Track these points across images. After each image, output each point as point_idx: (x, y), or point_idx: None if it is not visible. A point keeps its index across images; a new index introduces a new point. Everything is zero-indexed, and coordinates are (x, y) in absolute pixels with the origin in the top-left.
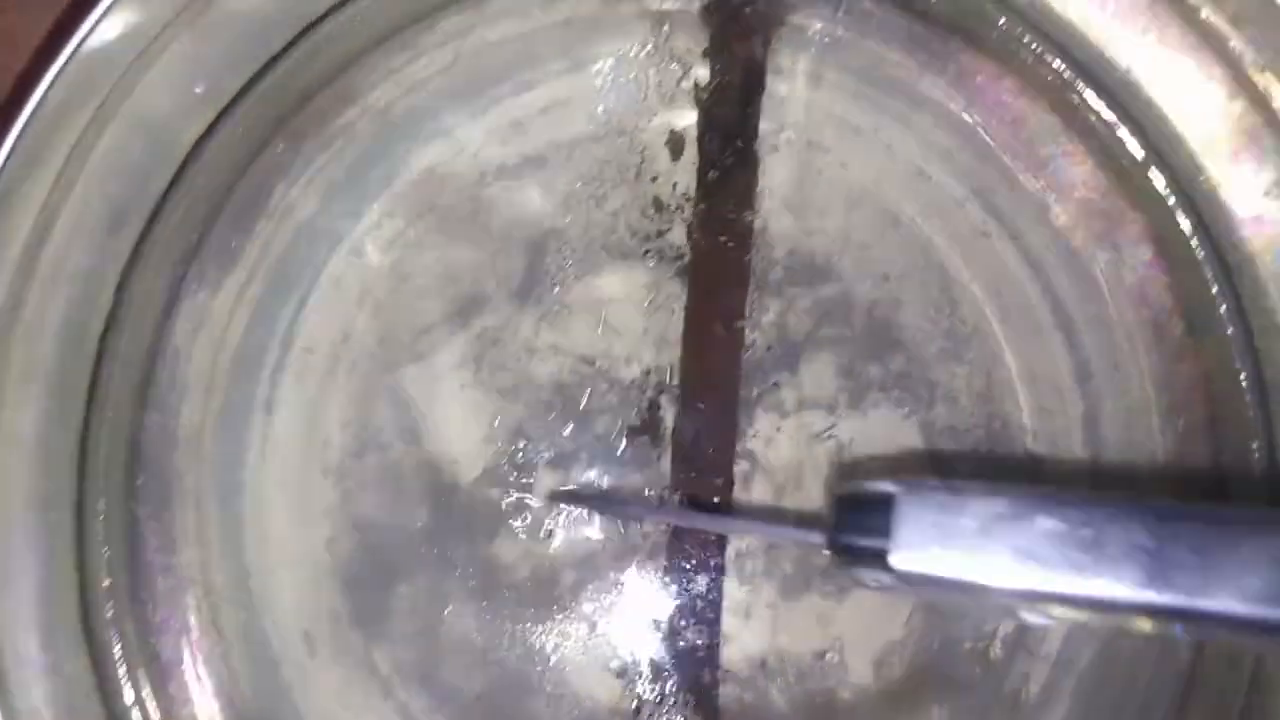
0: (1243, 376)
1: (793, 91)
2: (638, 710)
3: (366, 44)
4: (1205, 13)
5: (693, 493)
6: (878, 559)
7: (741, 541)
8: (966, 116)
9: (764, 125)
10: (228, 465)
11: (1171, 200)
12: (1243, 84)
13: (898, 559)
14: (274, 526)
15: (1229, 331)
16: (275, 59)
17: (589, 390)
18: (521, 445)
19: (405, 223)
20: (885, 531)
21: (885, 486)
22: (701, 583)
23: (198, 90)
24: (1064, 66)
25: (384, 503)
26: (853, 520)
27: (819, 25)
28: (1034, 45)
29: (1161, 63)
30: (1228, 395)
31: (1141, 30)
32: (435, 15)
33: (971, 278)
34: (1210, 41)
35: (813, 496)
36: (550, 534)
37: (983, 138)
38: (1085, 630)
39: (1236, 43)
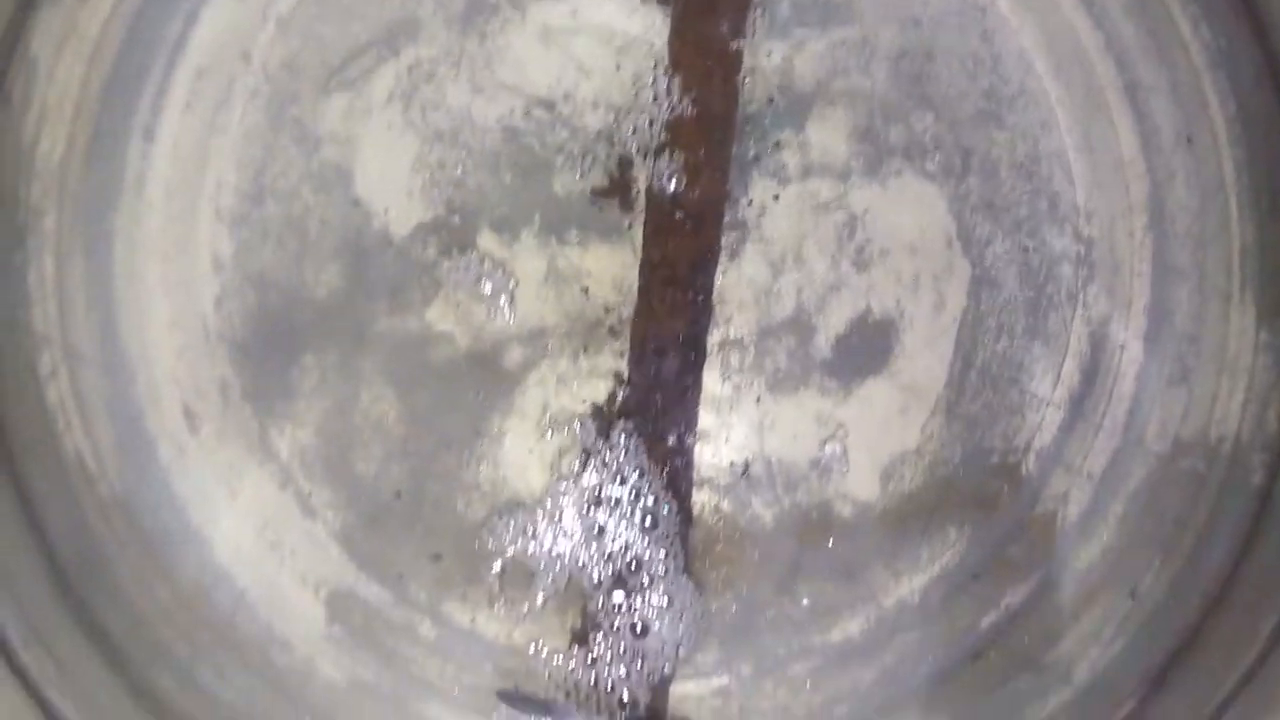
0: None
1: None
2: (602, 532)
3: None
4: None
5: (668, 269)
6: None
7: (728, 328)
8: None
9: None
10: (97, 204)
11: None
12: None
13: None
14: (151, 279)
15: None
16: None
17: (546, 139)
18: (460, 200)
19: None
20: None
21: None
22: (672, 369)
23: None
24: None
25: (288, 258)
26: None
27: None
28: None
29: None
30: None
31: None
32: None
33: (1020, 25)
34: None
35: (815, 274)
36: (495, 301)
37: None
38: (1138, 444)
39: None
